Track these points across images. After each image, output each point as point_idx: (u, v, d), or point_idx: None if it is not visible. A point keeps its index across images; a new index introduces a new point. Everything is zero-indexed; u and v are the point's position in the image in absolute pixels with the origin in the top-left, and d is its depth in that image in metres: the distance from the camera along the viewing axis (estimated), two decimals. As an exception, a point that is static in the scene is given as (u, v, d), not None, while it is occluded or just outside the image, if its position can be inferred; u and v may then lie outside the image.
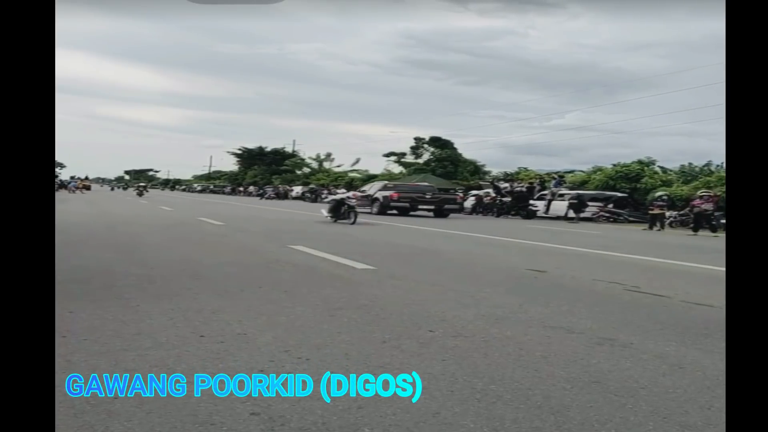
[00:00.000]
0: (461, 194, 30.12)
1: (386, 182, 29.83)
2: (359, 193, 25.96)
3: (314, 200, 45.53)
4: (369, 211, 24.47)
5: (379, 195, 25.29)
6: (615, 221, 26.16)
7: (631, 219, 26.34)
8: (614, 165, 34.18)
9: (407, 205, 24.90)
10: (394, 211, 24.85)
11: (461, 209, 28.01)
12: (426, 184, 31.60)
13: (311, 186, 54.94)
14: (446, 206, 25.60)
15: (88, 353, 3.25)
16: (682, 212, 24.59)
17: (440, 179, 45.70)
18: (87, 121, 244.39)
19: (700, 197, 20.37)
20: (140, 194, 46.87)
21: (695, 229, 19.01)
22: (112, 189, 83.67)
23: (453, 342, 3.71)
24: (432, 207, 25.37)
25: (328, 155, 70.08)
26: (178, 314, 4.25)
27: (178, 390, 2.69)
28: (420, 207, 25.16)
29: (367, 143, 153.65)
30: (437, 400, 2.68)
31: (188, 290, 5.25)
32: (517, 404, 2.65)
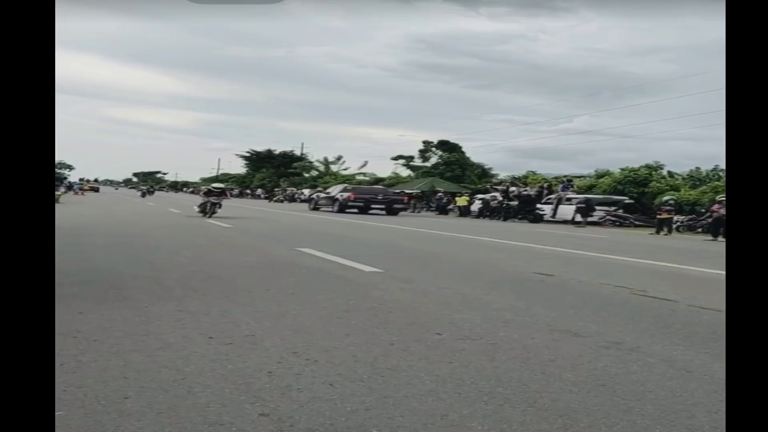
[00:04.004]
0: (407, 196, 34.54)
1: (346, 185, 34.77)
2: (323, 194, 31.73)
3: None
4: (331, 209, 29.34)
5: (339, 196, 29.64)
6: (621, 225, 26.10)
7: (637, 223, 26.29)
8: (622, 169, 34.13)
9: (362, 204, 29.01)
10: (354, 210, 28.68)
11: (408, 208, 33.25)
12: (379, 187, 38.80)
13: (318, 189, 55.07)
14: (395, 206, 30.01)
15: (98, 353, 3.28)
16: (690, 217, 24.54)
17: (448, 182, 45.67)
18: (96, 124, 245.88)
19: (719, 203, 20.29)
20: (208, 211, 19.46)
21: (714, 234, 18.85)
22: (143, 195, 56.23)
23: (460, 345, 3.72)
24: (383, 206, 29.58)
25: (339, 158, 70.29)
26: (186, 316, 4.28)
27: (188, 390, 2.72)
28: (373, 206, 29.27)
29: (375, 146, 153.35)
30: (445, 402, 2.69)
31: (196, 292, 5.28)
32: (525, 407, 2.66)
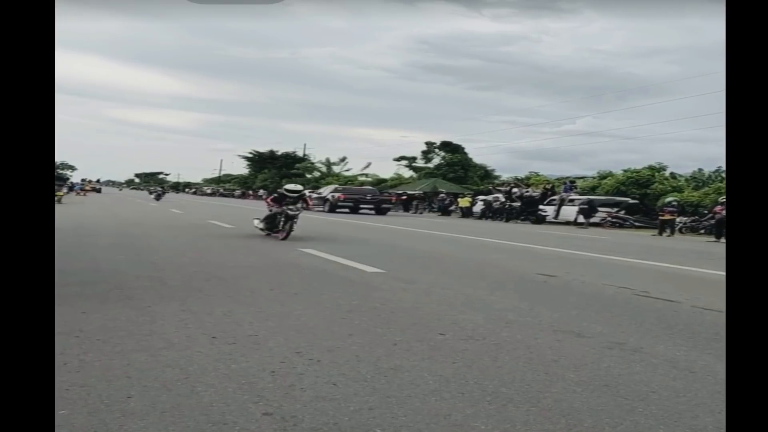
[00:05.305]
0: (394, 197, 36.39)
1: (336, 186, 36.26)
2: (315, 194, 32.39)
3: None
4: (322, 209, 30.08)
5: (330, 196, 30.98)
6: (621, 226, 26.06)
7: (637, 224, 26.25)
8: (625, 171, 34.13)
9: (352, 204, 30.32)
10: (345, 210, 29.97)
11: (395, 208, 34.85)
12: (368, 187, 39.93)
13: (320, 190, 55.10)
14: (383, 205, 31.40)
15: (101, 353, 3.28)
16: (693, 218, 24.52)
17: (450, 183, 45.67)
18: (98, 124, 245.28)
19: (722, 204, 20.26)
20: (283, 229, 11.44)
21: (717, 235, 18.79)
22: (158, 197, 45.98)
23: (463, 345, 3.72)
24: (372, 206, 30.82)
25: (343, 159, 70.24)
26: (189, 316, 4.29)
27: (191, 390, 2.72)
28: (362, 206, 30.49)
29: (378, 147, 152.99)
30: (448, 401, 2.69)
31: (199, 292, 5.29)
32: (528, 407, 2.66)
